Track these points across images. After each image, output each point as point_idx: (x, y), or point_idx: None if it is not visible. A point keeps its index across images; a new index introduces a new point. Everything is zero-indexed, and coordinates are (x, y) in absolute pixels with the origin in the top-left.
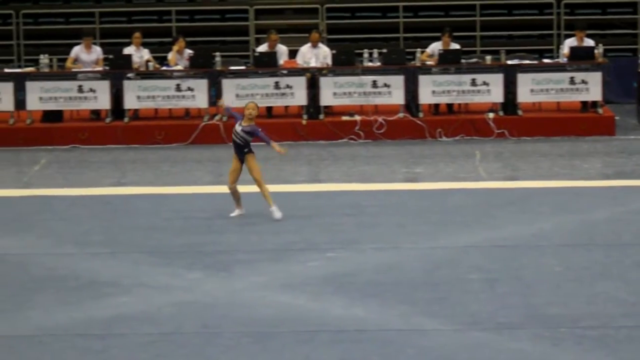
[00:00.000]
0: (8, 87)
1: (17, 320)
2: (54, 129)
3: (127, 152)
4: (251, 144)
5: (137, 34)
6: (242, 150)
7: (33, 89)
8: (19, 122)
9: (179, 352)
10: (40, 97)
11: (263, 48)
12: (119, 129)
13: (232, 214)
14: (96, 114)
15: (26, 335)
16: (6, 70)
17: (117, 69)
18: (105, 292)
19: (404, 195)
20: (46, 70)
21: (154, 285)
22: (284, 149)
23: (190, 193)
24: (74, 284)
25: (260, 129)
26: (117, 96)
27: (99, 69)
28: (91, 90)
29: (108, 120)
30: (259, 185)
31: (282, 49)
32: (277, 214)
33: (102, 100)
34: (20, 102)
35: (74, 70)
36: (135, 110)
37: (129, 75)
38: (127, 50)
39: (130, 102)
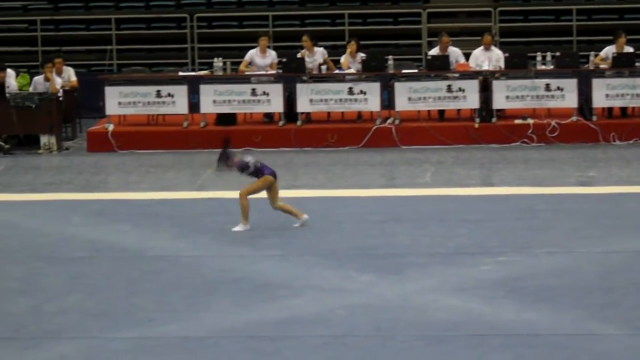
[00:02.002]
0: (182, 91)
1: (190, 322)
2: (228, 132)
3: (299, 155)
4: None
5: (305, 37)
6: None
7: (207, 92)
8: (193, 125)
9: (350, 354)
10: (214, 100)
11: (435, 51)
12: (291, 132)
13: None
14: (269, 117)
15: (200, 336)
16: (180, 73)
17: (290, 73)
18: (278, 294)
19: (577, 199)
20: (220, 73)
21: (326, 287)
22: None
23: (362, 196)
24: (247, 286)
25: (241, 163)
26: (290, 99)
27: (272, 72)
28: (264, 93)
29: (281, 123)
30: (241, 197)
31: (456, 52)
32: (237, 227)
33: (275, 103)
34: (194, 105)
35: (247, 73)
36: (308, 114)
37: (302, 78)
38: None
39: (303, 105)
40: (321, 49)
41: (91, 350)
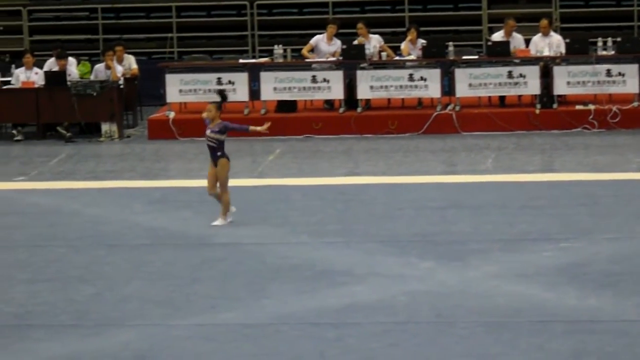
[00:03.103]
0: (243, 78)
1: (252, 309)
2: (288, 119)
3: (360, 142)
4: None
5: (360, 25)
6: (216, 154)
7: (267, 80)
8: (254, 112)
9: (412, 341)
10: (275, 87)
11: (498, 35)
12: (352, 119)
13: (215, 223)
14: (330, 103)
15: (261, 323)
16: (241, 60)
17: (350, 59)
18: (339, 281)
19: (639, 185)
20: (280, 60)
21: (387, 274)
22: (264, 126)
23: (423, 183)
24: (308, 273)
25: (229, 122)
26: (350, 86)
27: (333, 59)
28: (325, 80)
29: (341, 110)
30: (221, 192)
31: (519, 38)
32: (217, 222)
33: (335, 90)
34: (254, 93)
35: (307, 60)
36: (368, 100)
37: (362, 65)
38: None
39: (363, 92)
40: (377, 36)
41: (153, 338)
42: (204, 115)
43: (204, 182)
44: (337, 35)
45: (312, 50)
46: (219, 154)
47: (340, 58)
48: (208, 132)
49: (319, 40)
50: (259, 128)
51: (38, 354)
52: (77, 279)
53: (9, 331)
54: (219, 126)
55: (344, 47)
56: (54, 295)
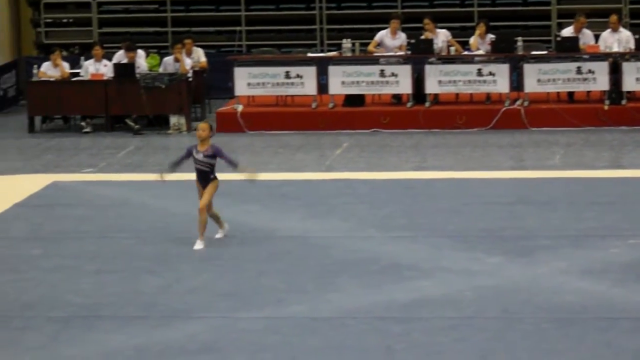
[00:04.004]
0: (311, 72)
1: (319, 302)
2: (356, 113)
3: (427, 137)
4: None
5: (426, 20)
6: (208, 178)
7: (335, 73)
8: (322, 106)
9: (479, 336)
10: (343, 81)
11: (568, 31)
12: (420, 113)
13: (217, 235)
14: (397, 98)
15: (328, 317)
16: (309, 54)
17: (418, 54)
18: (406, 275)
19: None
20: (349, 54)
21: (454, 269)
22: (254, 174)
23: (491, 178)
24: (375, 267)
25: (222, 149)
26: (418, 81)
27: (401, 53)
28: (393, 74)
29: (409, 104)
30: (201, 211)
31: (589, 35)
32: (197, 246)
33: (403, 84)
34: (322, 87)
35: (376, 54)
36: (436, 95)
37: (431, 60)
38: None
39: (431, 86)
40: (444, 30)
41: (220, 330)
42: (198, 134)
43: (271, 175)
44: (404, 29)
45: (377, 46)
46: (211, 177)
47: (408, 52)
48: (200, 156)
49: (384, 35)
50: (247, 171)
51: (106, 345)
52: (145, 271)
53: (77, 322)
54: (212, 150)
55: (412, 41)
56: (122, 286)
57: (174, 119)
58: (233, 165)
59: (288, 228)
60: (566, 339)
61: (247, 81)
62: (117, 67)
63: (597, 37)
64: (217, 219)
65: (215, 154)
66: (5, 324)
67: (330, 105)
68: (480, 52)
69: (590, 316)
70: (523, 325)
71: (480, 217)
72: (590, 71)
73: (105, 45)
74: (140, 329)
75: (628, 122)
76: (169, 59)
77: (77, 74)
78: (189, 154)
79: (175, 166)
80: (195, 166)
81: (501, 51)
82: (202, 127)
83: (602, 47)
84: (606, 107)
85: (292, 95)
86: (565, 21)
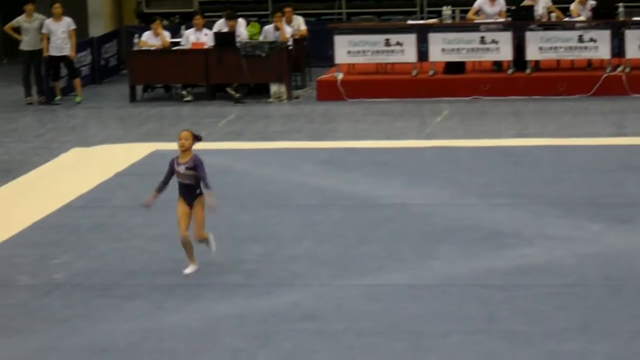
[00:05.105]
0: (411, 39)
1: (420, 270)
2: (456, 80)
3: (528, 104)
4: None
5: None
6: (194, 193)
7: (436, 41)
8: (422, 73)
9: (580, 304)
10: (443, 48)
11: None
12: (520, 80)
13: (187, 271)
14: (498, 65)
15: (429, 284)
16: (409, 22)
17: (519, 20)
18: (507, 243)
19: None
20: (449, 21)
21: (556, 236)
22: (213, 207)
23: (592, 145)
24: (476, 234)
25: (202, 163)
26: (519, 47)
27: (502, 20)
28: (493, 41)
29: (510, 71)
30: (199, 233)
31: None
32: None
33: (504, 51)
34: (422, 54)
35: (476, 21)
36: (537, 62)
37: (531, 26)
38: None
39: (532, 53)
40: None
41: (321, 297)
42: (180, 143)
43: (371, 143)
44: None
45: (476, 13)
46: (197, 191)
47: (508, 18)
48: (182, 169)
49: (482, 3)
50: (210, 199)
51: (208, 314)
52: (246, 239)
53: (180, 290)
54: (193, 162)
55: (512, 7)
56: (224, 255)
57: (274, 87)
58: (205, 185)
59: (388, 196)
60: None
61: (347, 49)
62: (218, 36)
63: None
64: (189, 249)
65: (195, 166)
66: (110, 291)
67: (431, 72)
68: (581, 18)
69: None
70: (625, 292)
71: (581, 184)
72: None
73: (205, 14)
74: (241, 297)
75: None
76: (269, 28)
77: (177, 43)
78: (171, 169)
79: (163, 186)
80: (179, 181)
81: (602, 17)
82: (184, 135)
83: None
84: None
85: (392, 63)
86: None
